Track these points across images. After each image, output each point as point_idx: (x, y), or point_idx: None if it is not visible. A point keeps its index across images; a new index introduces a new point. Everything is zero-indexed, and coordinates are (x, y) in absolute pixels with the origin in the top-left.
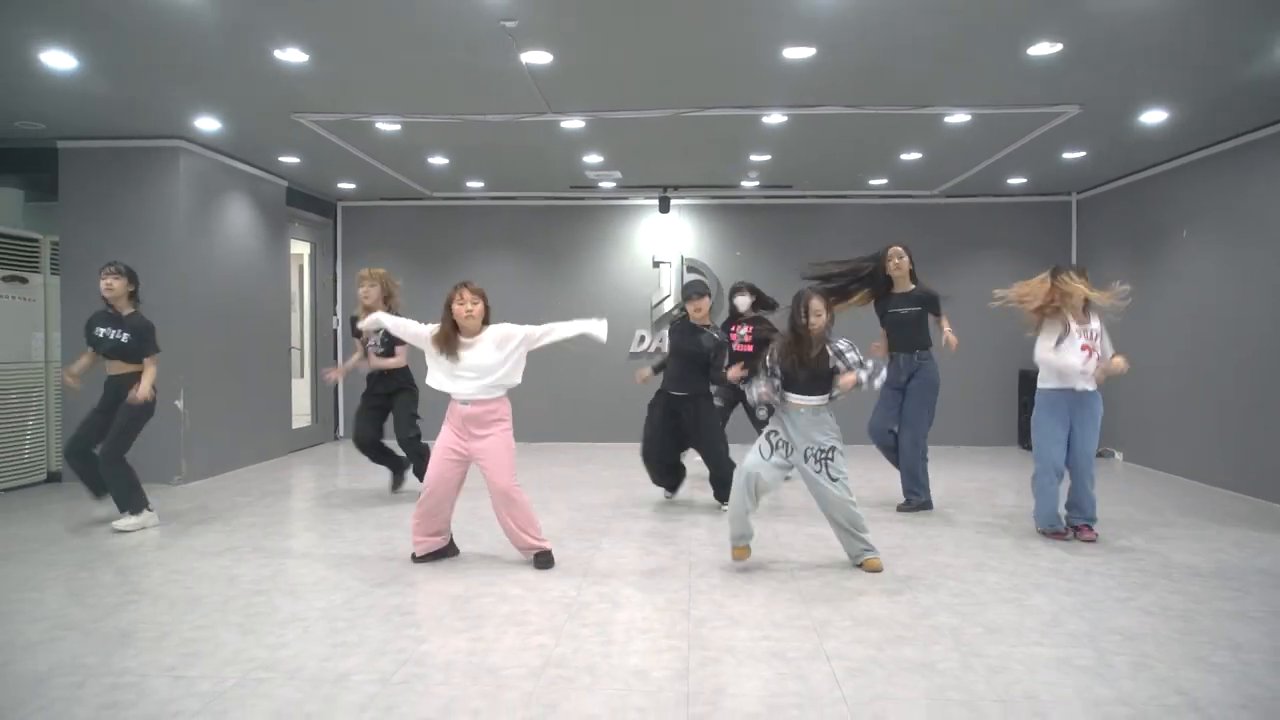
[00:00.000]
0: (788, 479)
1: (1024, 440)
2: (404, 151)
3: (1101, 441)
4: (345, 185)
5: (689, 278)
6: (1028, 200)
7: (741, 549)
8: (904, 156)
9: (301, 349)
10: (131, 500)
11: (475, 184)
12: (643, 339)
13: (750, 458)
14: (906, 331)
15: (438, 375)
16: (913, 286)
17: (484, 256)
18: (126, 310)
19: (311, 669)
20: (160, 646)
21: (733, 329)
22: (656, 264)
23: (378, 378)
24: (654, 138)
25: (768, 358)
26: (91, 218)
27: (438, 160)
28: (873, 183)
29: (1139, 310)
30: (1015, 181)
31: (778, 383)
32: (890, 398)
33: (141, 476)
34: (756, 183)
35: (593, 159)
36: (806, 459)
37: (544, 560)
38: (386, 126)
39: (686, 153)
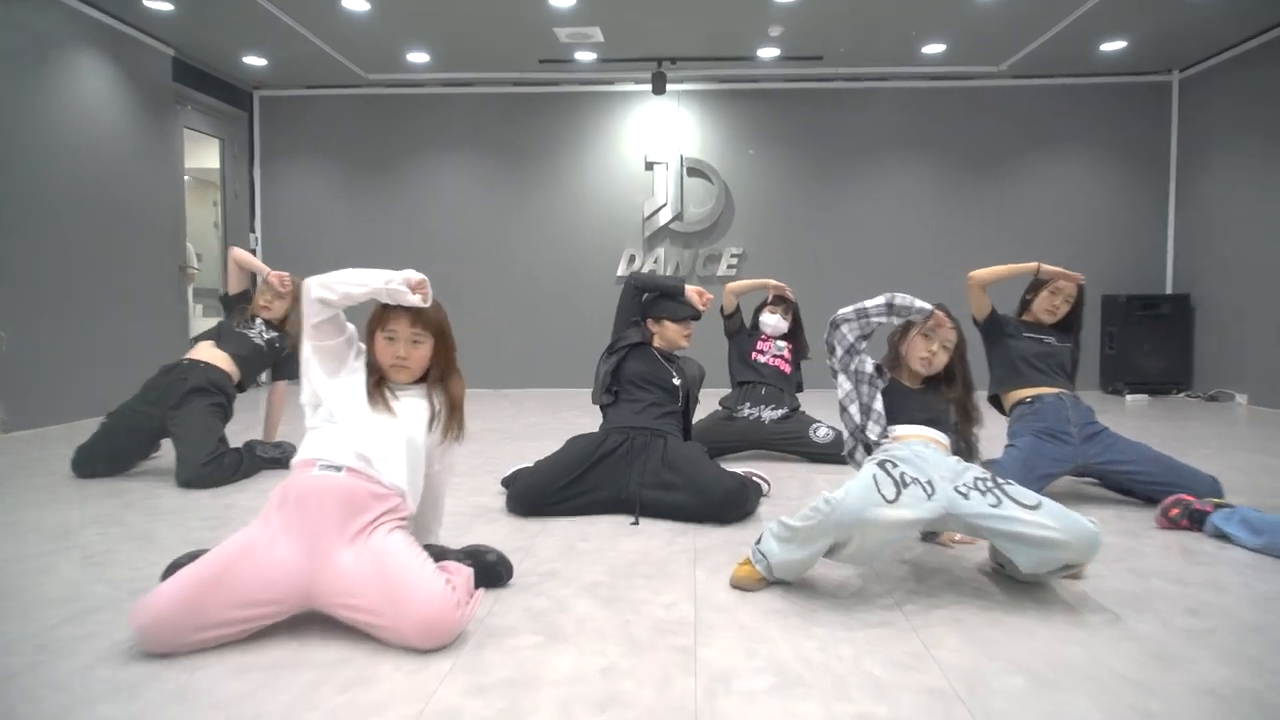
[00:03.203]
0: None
1: (1106, 384)
2: None
3: (1220, 382)
4: (254, 60)
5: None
6: (1114, 81)
7: (759, 578)
8: None
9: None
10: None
11: (419, 58)
12: (633, 259)
13: (857, 495)
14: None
15: (329, 397)
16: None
17: (435, 159)
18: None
19: None
20: None
21: (762, 339)
22: (650, 165)
23: (191, 365)
24: None
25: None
26: None
27: (357, 4)
28: (926, 50)
29: (1269, 223)
30: (1109, 48)
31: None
32: (1054, 453)
33: None
34: (777, 52)
35: (564, 3)
36: (967, 495)
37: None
38: None
39: (689, 4)
